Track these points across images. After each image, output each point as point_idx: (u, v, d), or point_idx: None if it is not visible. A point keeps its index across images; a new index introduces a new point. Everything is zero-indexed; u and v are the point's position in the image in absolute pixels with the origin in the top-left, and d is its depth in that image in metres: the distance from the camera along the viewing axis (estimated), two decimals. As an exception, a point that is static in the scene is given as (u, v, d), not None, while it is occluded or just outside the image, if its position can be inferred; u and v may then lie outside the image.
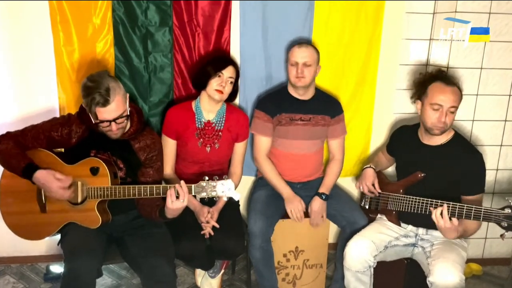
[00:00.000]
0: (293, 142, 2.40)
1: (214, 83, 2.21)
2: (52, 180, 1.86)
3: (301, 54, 2.26)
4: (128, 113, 1.92)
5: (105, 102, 1.80)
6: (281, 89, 2.45)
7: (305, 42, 2.38)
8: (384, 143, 2.70)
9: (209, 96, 2.24)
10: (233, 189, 1.83)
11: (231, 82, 2.24)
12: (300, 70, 2.26)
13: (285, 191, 2.37)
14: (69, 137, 1.97)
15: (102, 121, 1.85)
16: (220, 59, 2.28)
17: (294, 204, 2.34)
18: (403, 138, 2.28)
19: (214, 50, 2.50)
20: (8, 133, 1.97)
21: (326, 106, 2.41)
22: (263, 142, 2.39)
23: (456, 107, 2.02)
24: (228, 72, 2.22)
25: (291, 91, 2.38)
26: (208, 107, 2.30)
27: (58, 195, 1.89)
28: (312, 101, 2.39)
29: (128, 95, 1.93)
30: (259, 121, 2.38)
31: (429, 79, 2.14)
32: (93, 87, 1.80)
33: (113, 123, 1.86)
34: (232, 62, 2.26)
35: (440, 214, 1.89)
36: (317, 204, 2.37)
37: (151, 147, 2.07)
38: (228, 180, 1.82)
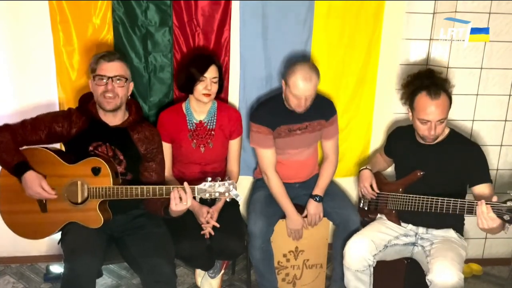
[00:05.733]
0: (292, 151, 2.39)
1: (199, 87, 2.19)
2: (37, 186, 1.87)
3: (305, 90, 2.14)
4: (128, 78, 2.01)
5: (111, 56, 1.97)
6: (276, 99, 2.35)
7: (307, 68, 2.16)
8: (382, 144, 2.70)
9: (197, 99, 2.24)
10: (235, 190, 1.84)
11: (215, 82, 2.21)
12: (303, 104, 2.19)
13: (289, 210, 2.35)
14: (70, 128, 1.99)
15: (101, 76, 1.93)
16: (200, 61, 2.22)
17: (295, 226, 2.35)
18: (400, 139, 2.28)
19: (193, 49, 2.47)
20: (6, 125, 1.96)
21: (321, 110, 2.36)
22: (268, 155, 2.34)
23: (445, 118, 2.00)
24: (211, 73, 2.19)
25: (288, 105, 2.29)
26: (198, 108, 2.30)
27: (33, 195, 1.91)
28: (307, 109, 2.30)
29: (129, 73, 2.05)
30: (260, 135, 2.31)
31: (413, 84, 2.14)
32: (103, 52, 2.03)
33: (110, 81, 1.93)
34: (213, 61, 2.22)
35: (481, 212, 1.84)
36: (313, 207, 2.37)
37: (149, 139, 2.09)
38: (230, 181, 1.84)
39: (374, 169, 2.41)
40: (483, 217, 1.83)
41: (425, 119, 2.01)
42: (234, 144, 2.38)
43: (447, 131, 2.13)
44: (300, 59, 2.55)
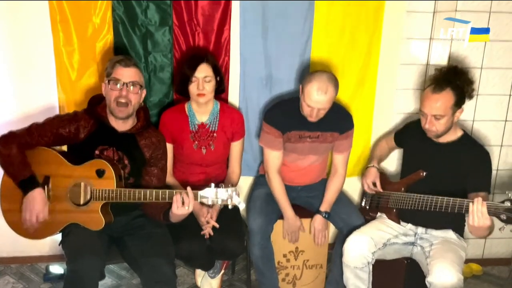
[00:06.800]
0: (299, 156, 2.36)
1: (193, 89, 2.18)
2: (42, 207, 1.88)
3: (319, 101, 2.07)
4: (142, 85, 2.01)
5: (128, 62, 1.97)
6: (291, 102, 2.29)
7: (325, 78, 2.09)
8: (387, 132, 2.69)
9: (195, 100, 2.23)
10: (237, 197, 1.84)
11: (208, 81, 2.18)
12: (315, 114, 2.13)
13: (288, 212, 2.34)
14: (78, 132, 1.98)
15: (116, 81, 1.93)
16: (191, 61, 2.20)
17: (291, 228, 2.34)
18: (415, 132, 2.25)
19: (189, 50, 2.46)
20: (11, 133, 1.94)
21: (336, 122, 2.28)
22: (274, 157, 2.31)
23: (442, 115, 2.00)
24: (201, 72, 2.16)
25: (302, 111, 2.22)
26: (200, 109, 2.29)
27: (27, 219, 1.90)
28: (323, 118, 2.21)
29: (143, 80, 2.06)
30: (269, 136, 2.28)
31: (432, 78, 2.16)
32: (120, 56, 2.04)
33: (124, 86, 1.93)
34: (204, 60, 2.17)
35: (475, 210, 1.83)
36: (319, 223, 2.36)
37: (156, 144, 2.09)
38: (233, 188, 1.84)
39: (381, 160, 2.43)
40: (476, 214, 1.83)
41: (421, 111, 2.06)
42: (236, 146, 2.37)
43: (460, 133, 2.13)
44: (306, 63, 2.57)
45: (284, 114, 2.28)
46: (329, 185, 2.40)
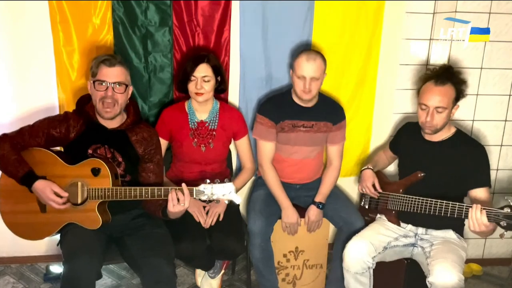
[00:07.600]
0: (294, 148, 2.38)
1: (191, 87, 2.19)
2: (49, 193, 1.87)
3: (309, 68, 2.18)
4: (128, 83, 1.99)
5: (112, 60, 1.94)
6: (284, 93, 2.40)
7: (313, 51, 2.25)
8: (385, 142, 2.70)
9: (193, 98, 2.25)
10: (234, 192, 1.82)
11: (207, 81, 2.19)
12: (307, 85, 2.20)
13: (285, 203, 2.35)
14: (68, 132, 1.98)
15: (101, 81, 1.91)
16: (192, 60, 2.21)
17: (290, 220, 2.34)
18: (407, 135, 2.28)
19: (193, 49, 2.46)
20: (3, 135, 1.95)
21: (329, 112, 2.37)
22: (267, 148, 2.35)
23: (444, 108, 2.01)
24: (201, 71, 2.17)
25: (295, 98, 2.33)
26: (199, 107, 2.30)
27: (52, 206, 1.90)
28: (315, 108, 2.34)
29: (129, 78, 2.02)
30: (262, 127, 2.33)
31: (427, 77, 2.15)
32: (104, 55, 1.99)
33: (110, 87, 1.92)
34: (204, 60, 2.19)
35: (474, 216, 1.83)
36: (314, 213, 2.37)
37: (148, 139, 2.08)
38: (229, 183, 1.82)
39: (376, 167, 2.41)
40: (477, 222, 1.83)
41: (424, 104, 2.05)
42: (242, 143, 2.38)
43: (453, 130, 2.14)
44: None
45: (276, 104, 2.35)
46: (325, 178, 2.43)
